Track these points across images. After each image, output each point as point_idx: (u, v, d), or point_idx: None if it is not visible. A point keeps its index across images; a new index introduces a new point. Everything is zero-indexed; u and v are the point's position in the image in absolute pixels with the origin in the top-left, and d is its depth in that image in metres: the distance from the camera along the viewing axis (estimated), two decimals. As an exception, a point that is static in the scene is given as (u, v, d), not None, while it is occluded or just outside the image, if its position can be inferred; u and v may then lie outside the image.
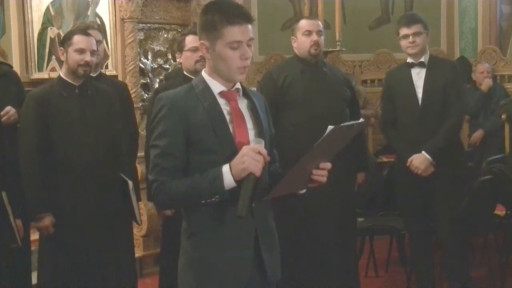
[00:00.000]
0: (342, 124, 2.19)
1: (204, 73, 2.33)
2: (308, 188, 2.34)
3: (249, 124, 2.31)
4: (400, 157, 4.23)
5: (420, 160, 4.04)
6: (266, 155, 2.15)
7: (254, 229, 2.28)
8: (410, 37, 4.10)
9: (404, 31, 4.13)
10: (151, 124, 2.29)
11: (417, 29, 4.12)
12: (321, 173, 2.27)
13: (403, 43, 4.15)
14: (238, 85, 2.34)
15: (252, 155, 2.11)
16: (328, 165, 2.28)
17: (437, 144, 4.04)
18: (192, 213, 2.29)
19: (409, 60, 4.20)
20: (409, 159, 4.07)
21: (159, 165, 2.21)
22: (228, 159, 2.16)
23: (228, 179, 2.13)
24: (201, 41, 2.28)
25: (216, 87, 2.30)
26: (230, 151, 2.20)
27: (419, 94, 4.11)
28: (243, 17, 2.23)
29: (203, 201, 2.18)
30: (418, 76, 4.14)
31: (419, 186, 4.11)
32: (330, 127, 2.14)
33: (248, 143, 2.23)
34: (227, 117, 2.27)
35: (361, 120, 2.40)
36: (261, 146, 2.16)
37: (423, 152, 4.04)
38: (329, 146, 2.23)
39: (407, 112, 4.14)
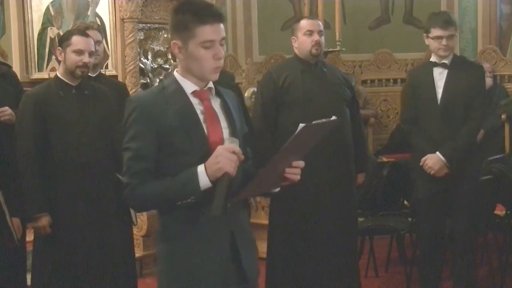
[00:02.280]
0: (313, 122, 2.19)
1: (176, 73, 2.31)
2: (281, 186, 2.33)
3: (223, 123, 2.30)
4: (418, 155, 4.20)
5: (434, 161, 4.03)
6: (240, 154, 2.14)
7: (230, 229, 2.26)
8: (444, 39, 4.03)
9: (438, 32, 4.04)
10: (123, 126, 2.27)
11: (452, 31, 4.07)
12: (294, 171, 2.25)
13: (434, 44, 4.07)
14: (210, 84, 2.31)
15: (226, 155, 2.11)
16: (301, 163, 2.26)
17: (454, 147, 4.03)
18: (167, 216, 2.27)
19: (432, 59, 4.16)
20: (423, 159, 4.06)
21: (132, 168, 2.20)
22: (203, 159, 2.15)
23: (204, 180, 2.12)
24: (173, 41, 2.26)
25: (189, 87, 2.27)
26: (204, 151, 2.18)
27: (439, 94, 4.08)
28: (215, 16, 2.22)
29: (178, 203, 2.17)
30: (440, 76, 4.10)
31: (432, 185, 4.10)
32: (301, 125, 2.13)
33: (222, 142, 2.22)
34: (201, 117, 2.25)
35: (333, 117, 2.39)
36: (235, 145, 2.15)
37: (437, 153, 4.02)
38: (301, 144, 2.22)
39: (427, 111, 4.12)
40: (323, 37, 4.09)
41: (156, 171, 2.21)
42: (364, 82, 7.64)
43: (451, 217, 4.18)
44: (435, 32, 4.06)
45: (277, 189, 2.36)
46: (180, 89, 2.27)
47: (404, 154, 6.54)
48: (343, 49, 6.74)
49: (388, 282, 4.94)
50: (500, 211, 4.68)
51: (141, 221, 5.10)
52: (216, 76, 2.27)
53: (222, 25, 2.24)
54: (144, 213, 5.09)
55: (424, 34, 4.14)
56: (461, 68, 4.12)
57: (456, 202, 4.11)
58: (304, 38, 4.05)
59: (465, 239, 4.16)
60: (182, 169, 2.16)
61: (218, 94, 2.36)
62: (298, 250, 4.02)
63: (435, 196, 4.14)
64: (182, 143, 2.21)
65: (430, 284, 4.29)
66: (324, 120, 2.27)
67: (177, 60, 4.18)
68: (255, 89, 4.96)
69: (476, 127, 4.13)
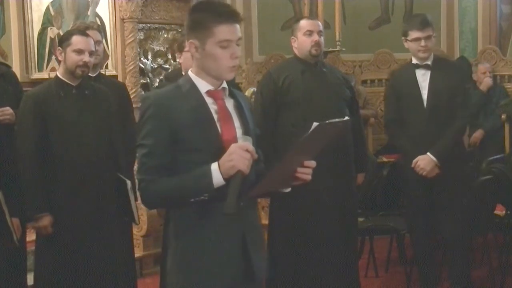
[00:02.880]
0: (327, 121, 2.19)
1: (191, 73, 2.34)
2: (292, 186, 2.33)
3: (236, 123, 2.32)
4: (405, 156, 4.22)
5: (425, 162, 4.04)
6: (254, 152, 2.15)
7: (242, 228, 2.28)
8: (422, 41, 4.06)
9: (416, 34, 4.07)
10: (138, 123, 2.30)
11: (430, 32, 4.09)
12: (305, 171, 2.27)
13: (413, 45, 4.10)
14: (224, 85, 2.34)
15: (240, 152, 2.12)
16: (313, 163, 2.28)
17: (444, 146, 4.04)
18: (179, 213, 2.29)
19: (414, 61, 4.18)
20: (414, 160, 4.07)
21: (146, 164, 2.22)
22: (216, 157, 2.16)
23: (217, 177, 2.14)
24: (190, 40, 2.28)
25: (203, 86, 2.30)
26: (218, 149, 2.20)
27: (424, 96, 4.10)
28: (234, 16, 2.25)
29: (192, 200, 2.18)
30: (423, 78, 4.12)
31: (424, 185, 4.11)
32: (315, 124, 2.14)
33: (236, 141, 2.24)
34: (215, 116, 2.27)
35: (346, 118, 2.40)
36: (248, 143, 2.16)
37: (428, 153, 4.04)
38: (313, 143, 2.23)
39: (413, 113, 4.13)
40: (322, 37, 4.09)
41: (170, 167, 2.23)
42: (364, 82, 7.63)
43: (443, 217, 4.17)
44: (413, 34, 4.09)
45: (288, 189, 2.36)
46: (194, 88, 2.30)
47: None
48: (343, 49, 6.74)
49: (388, 282, 4.94)
50: (500, 211, 4.68)
51: (141, 221, 5.10)
52: (231, 75, 2.30)
53: (238, 26, 2.27)
54: (144, 213, 5.09)
55: (403, 38, 4.16)
56: (443, 68, 4.14)
57: (447, 203, 4.11)
58: (304, 38, 4.05)
59: (457, 239, 4.15)
60: (195, 166, 2.18)
61: (232, 95, 2.38)
62: (298, 250, 4.02)
63: (427, 196, 4.14)
64: (196, 141, 2.23)
65: (429, 284, 4.29)
66: (337, 119, 2.29)
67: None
68: (255, 89, 4.96)
69: (464, 125, 4.17)
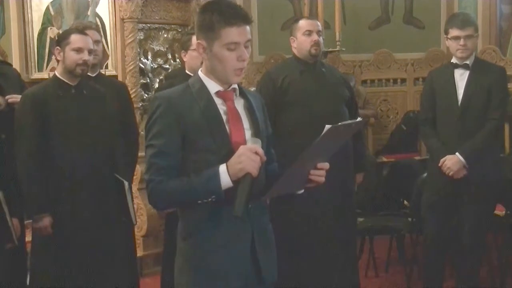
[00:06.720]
0: (340, 123, 2.18)
1: (200, 73, 2.33)
2: (306, 188, 2.33)
3: (246, 124, 2.30)
4: (433, 156, 4.19)
5: (453, 162, 3.99)
6: (263, 154, 2.14)
7: (251, 230, 2.27)
8: (462, 39, 3.99)
9: (455, 32, 4.01)
10: (147, 123, 2.29)
11: (470, 32, 4.02)
12: (319, 173, 2.25)
13: (453, 44, 4.05)
14: (234, 85, 2.33)
15: (248, 155, 2.11)
16: (326, 165, 2.27)
17: (473, 148, 4.00)
18: (188, 214, 2.28)
19: (453, 60, 4.13)
20: (442, 160, 4.02)
21: (155, 165, 2.20)
22: (225, 158, 2.15)
23: (225, 179, 2.13)
24: (198, 41, 2.27)
25: (213, 87, 2.29)
26: (227, 150, 2.19)
27: (460, 96, 4.04)
28: (241, 18, 2.22)
29: (199, 201, 2.18)
30: (461, 78, 4.07)
31: (449, 186, 4.06)
32: (327, 126, 2.12)
33: (244, 142, 2.22)
34: (224, 117, 2.26)
35: (359, 119, 2.39)
36: (257, 145, 2.15)
37: (457, 154, 3.99)
38: (326, 145, 2.21)
39: (446, 112, 4.09)
40: (322, 37, 4.10)
41: (179, 168, 2.22)
42: (364, 82, 7.62)
43: (460, 215, 4.14)
44: (453, 32, 4.03)
45: (301, 191, 2.36)
46: (204, 89, 2.28)
47: (404, 154, 6.56)
48: (343, 49, 6.74)
49: (388, 282, 4.95)
50: (500, 211, 4.68)
51: (141, 221, 5.11)
52: (238, 79, 2.28)
53: (248, 27, 2.24)
54: (144, 213, 5.09)
55: (445, 36, 4.13)
56: (483, 69, 4.09)
57: (470, 204, 4.06)
58: (304, 38, 4.05)
59: (473, 242, 4.10)
60: (204, 166, 2.17)
61: (242, 94, 2.36)
62: (298, 251, 4.02)
63: (445, 197, 4.12)
64: (205, 141, 2.22)
65: (436, 284, 4.27)
66: (350, 121, 2.29)
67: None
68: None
69: (495, 127, 4.08)
